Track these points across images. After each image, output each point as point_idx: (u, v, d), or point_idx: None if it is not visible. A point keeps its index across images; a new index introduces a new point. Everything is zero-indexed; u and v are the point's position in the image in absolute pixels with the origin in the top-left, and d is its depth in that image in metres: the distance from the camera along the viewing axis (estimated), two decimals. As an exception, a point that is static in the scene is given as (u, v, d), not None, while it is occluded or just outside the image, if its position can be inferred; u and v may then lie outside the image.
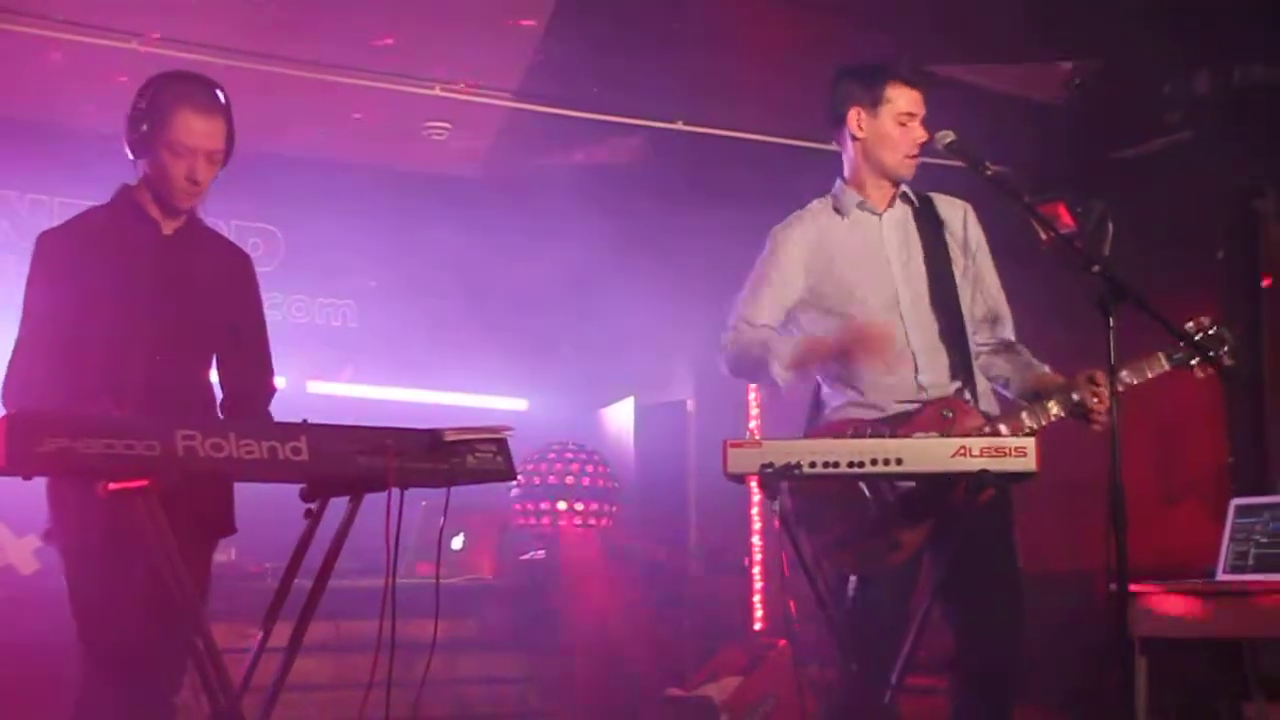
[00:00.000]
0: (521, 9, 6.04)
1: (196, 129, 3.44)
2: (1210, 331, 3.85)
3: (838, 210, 3.92)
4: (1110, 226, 6.64)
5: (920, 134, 3.83)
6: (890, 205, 3.91)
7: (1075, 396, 3.71)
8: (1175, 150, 6.45)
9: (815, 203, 3.98)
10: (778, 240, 3.93)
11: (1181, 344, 3.78)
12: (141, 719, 3.39)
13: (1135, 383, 3.75)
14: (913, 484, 3.56)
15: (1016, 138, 6.35)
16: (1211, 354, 3.79)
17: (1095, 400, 3.68)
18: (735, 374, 3.91)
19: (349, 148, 7.50)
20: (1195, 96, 6.17)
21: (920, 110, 3.83)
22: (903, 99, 3.82)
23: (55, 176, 6.92)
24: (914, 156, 3.84)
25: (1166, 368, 3.81)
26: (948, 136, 3.75)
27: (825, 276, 3.86)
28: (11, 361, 3.43)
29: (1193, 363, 3.82)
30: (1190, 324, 3.84)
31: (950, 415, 3.68)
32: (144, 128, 3.46)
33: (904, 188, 3.93)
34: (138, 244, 3.53)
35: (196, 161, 3.46)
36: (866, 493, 3.54)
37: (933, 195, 3.98)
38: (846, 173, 3.95)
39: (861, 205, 3.90)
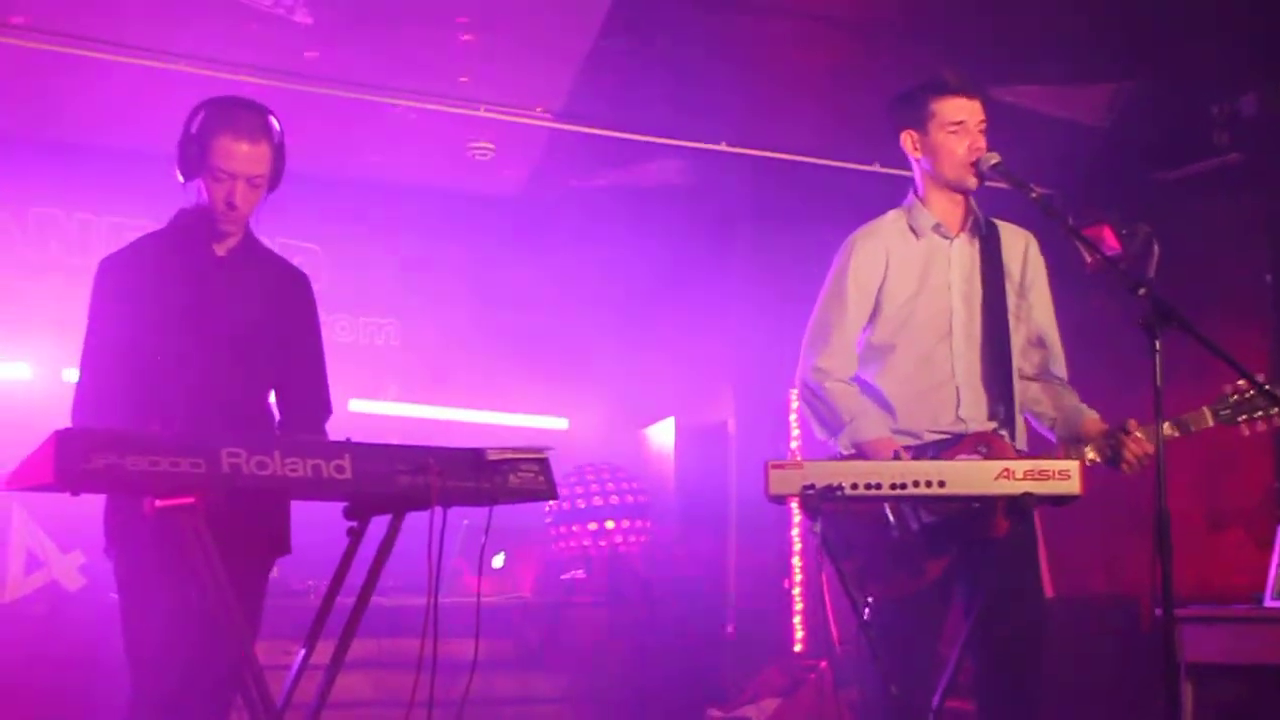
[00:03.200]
0: (567, 31, 6.06)
1: (236, 154, 3.47)
2: (1263, 389, 3.69)
3: (912, 228, 3.90)
4: (1156, 249, 6.59)
5: (976, 140, 3.77)
6: (962, 229, 3.89)
7: (1110, 446, 3.69)
8: (1222, 172, 6.39)
9: (890, 214, 3.95)
10: (855, 254, 3.89)
11: (1229, 399, 3.74)
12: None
13: (1176, 435, 3.69)
14: (936, 516, 3.54)
15: (1062, 160, 6.32)
16: (1261, 413, 3.74)
17: (1127, 450, 3.67)
18: (817, 423, 3.86)
19: (392, 168, 7.54)
20: (1243, 118, 6.13)
21: (972, 116, 3.78)
22: (949, 108, 3.79)
23: (103, 197, 7.00)
24: (974, 163, 3.79)
25: (1211, 424, 3.76)
26: (993, 158, 3.74)
27: (889, 297, 3.85)
28: (79, 383, 3.50)
29: (1240, 419, 3.77)
30: (1239, 383, 3.74)
31: (985, 451, 3.66)
32: (190, 152, 3.51)
33: (975, 213, 3.90)
34: (191, 266, 3.58)
35: (235, 187, 3.48)
36: (891, 518, 3.52)
37: (999, 224, 3.95)
38: (918, 188, 3.93)
39: (937, 228, 3.87)
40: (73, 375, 3.53)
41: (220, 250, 3.61)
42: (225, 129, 3.47)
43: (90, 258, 3.64)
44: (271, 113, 3.59)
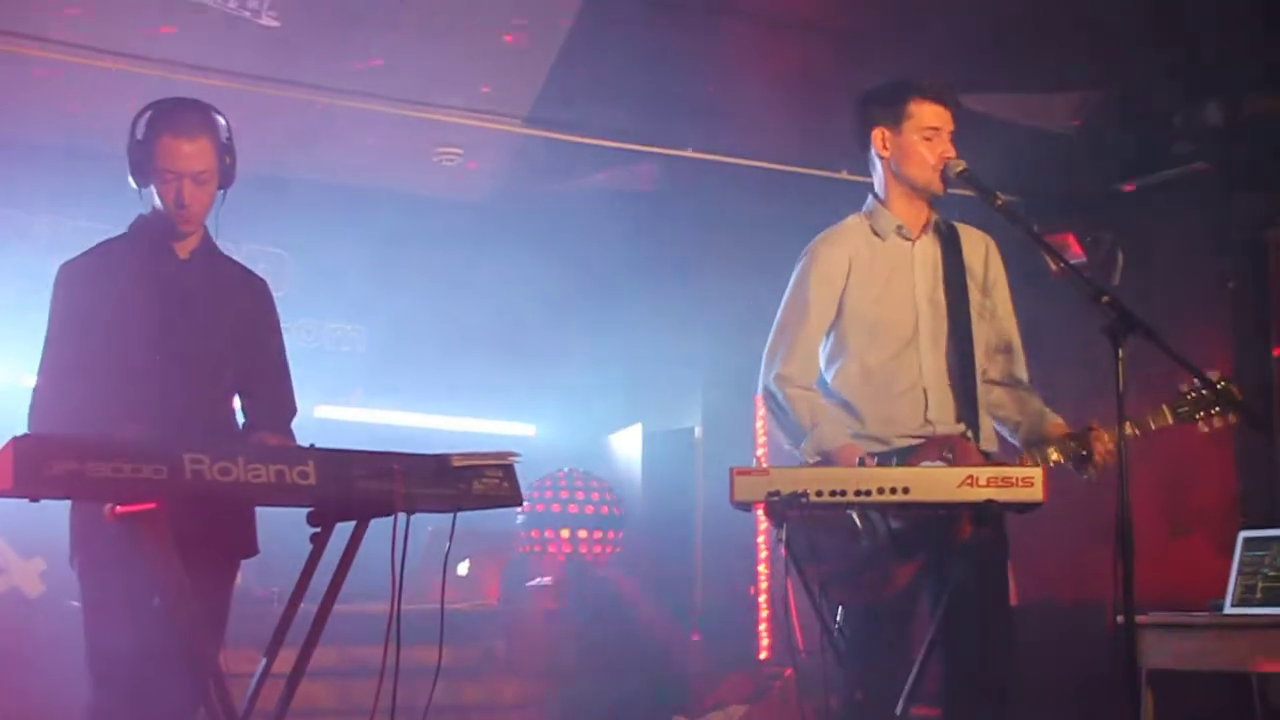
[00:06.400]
0: (535, 36, 6.06)
1: (178, 152, 3.46)
2: (1218, 386, 3.77)
3: (875, 231, 3.90)
4: (1119, 257, 6.64)
5: (947, 149, 3.79)
6: (924, 231, 3.89)
7: (1075, 446, 3.72)
8: (1185, 180, 6.44)
9: (851, 219, 3.95)
10: (817, 259, 3.89)
11: (1186, 396, 3.79)
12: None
13: (1137, 434, 3.72)
14: (905, 522, 3.54)
15: (1027, 168, 6.36)
16: (1218, 409, 3.78)
17: (1095, 450, 3.69)
18: (781, 431, 3.87)
19: (360, 172, 7.52)
20: (1206, 127, 6.18)
21: (945, 125, 3.80)
22: (925, 113, 3.80)
23: (70, 199, 6.94)
24: (941, 170, 3.79)
25: (1170, 422, 3.80)
26: (958, 166, 3.75)
27: (852, 301, 3.85)
28: (37, 388, 3.46)
29: (1197, 416, 3.80)
30: (1195, 380, 3.78)
31: (951, 456, 3.66)
32: (138, 157, 3.50)
33: (936, 217, 3.91)
34: (156, 269, 3.56)
35: (183, 185, 3.48)
36: (859, 525, 3.52)
37: (959, 226, 3.96)
38: (879, 191, 3.92)
39: (900, 230, 3.87)
40: (34, 380, 3.49)
41: (182, 252, 3.60)
42: (166, 129, 3.48)
43: (54, 261, 3.60)
44: (216, 110, 3.58)
